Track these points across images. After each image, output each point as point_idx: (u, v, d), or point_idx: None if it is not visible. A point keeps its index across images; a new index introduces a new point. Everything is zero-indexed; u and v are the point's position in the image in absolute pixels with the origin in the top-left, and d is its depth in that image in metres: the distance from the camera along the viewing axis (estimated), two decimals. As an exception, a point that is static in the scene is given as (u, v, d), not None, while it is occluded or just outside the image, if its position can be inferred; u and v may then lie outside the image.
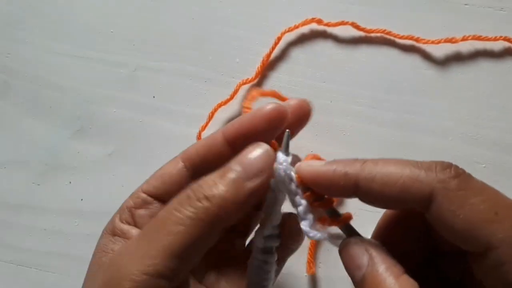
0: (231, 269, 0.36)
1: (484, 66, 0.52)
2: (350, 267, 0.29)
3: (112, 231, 0.33)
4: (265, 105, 0.32)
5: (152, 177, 0.34)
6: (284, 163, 0.30)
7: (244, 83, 0.53)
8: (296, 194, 0.31)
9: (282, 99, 0.42)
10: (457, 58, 0.53)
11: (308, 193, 0.30)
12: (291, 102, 0.35)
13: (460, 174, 0.27)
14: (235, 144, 0.33)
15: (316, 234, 0.30)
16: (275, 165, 0.31)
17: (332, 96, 0.53)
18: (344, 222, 0.31)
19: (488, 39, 0.52)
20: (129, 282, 0.26)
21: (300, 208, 0.30)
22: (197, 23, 0.56)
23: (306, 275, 0.49)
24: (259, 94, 0.38)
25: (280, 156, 0.31)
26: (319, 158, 0.34)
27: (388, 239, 0.32)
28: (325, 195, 0.31)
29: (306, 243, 0.49)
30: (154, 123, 0.54)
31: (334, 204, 0.31)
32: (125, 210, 0.33)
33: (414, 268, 0.28)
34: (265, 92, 0.40)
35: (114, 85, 0.55)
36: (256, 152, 0.30)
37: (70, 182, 0.54)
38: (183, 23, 0.56)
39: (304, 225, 0.30)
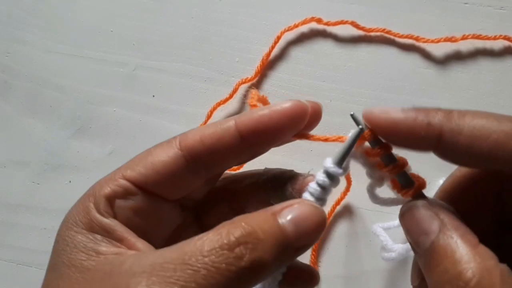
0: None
1: (484, 65, 0.52)
2: (415, 233, 0.25)
3: (89, 226, 0.27)
4: (285, 101, 0.28)
5: (138, 163, 0.28)
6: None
7: (243, 82, 0.53)
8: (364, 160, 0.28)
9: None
10: (457, 57, 0.53)
11: (378, 150, 0.27)
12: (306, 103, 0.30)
13: None
14: (249, 138, 0.28)
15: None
16: None
17: (331, 95, 0.52)
18: (419, 189, 0.27)
19: (488, 38, 0.52)
20: None
21: (371, 178, 0.28)
22: (197, 23, 0.56)
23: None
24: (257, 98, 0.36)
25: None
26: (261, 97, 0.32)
27: (454, 204, 0.27)
28: (393, 145, 0.27)
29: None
30: (154, 122, 0.54)
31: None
32: (102, 199, 0.27)
33: (481, 239, 0.24)
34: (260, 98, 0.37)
35: (114, 84, 0.55)
36: (311, 209, 0.26)
37: (70, 182, 0.54)
38: (183, 22, 0.56)
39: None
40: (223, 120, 0.29)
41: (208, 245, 0.23)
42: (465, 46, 0.52)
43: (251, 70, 0.53)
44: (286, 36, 0.54)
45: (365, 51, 0.53)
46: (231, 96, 0.53)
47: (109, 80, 0.55)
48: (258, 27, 0.55)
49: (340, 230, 0.50)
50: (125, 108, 0.55)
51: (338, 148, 0.29)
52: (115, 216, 0.28)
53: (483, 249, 0.23)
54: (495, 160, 0.24)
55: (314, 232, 0.26)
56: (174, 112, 0.54)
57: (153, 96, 0.55)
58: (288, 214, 0.25)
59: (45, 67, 0.56)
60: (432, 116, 0.25)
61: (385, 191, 0.30)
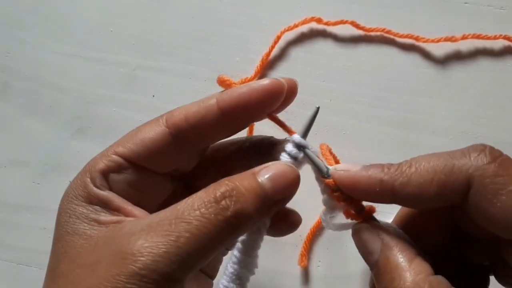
0: None
1: (484, 64, 0.52)
2: (363, 253, 0.29)
3: (87, 199, 0.29)
4: (263, 79, 0.31)
5: (128, 140, 0.31)
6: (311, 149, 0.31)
7: (243, 82, 0.53)
8: (325, 193, 0.31)
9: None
10: (457, 57, 0.53)
11: (337, 194, 0.30)
12: (282, 80, 0.32)
13: (496, 158, 0.26)
14: (230, 115, 0.31)
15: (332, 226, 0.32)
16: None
17: (331, 95, 0.52)
18: (369, 215, 0.31)
19: (488, 38, 0.52)
20: (145, 271, 0.25)
21: (327, 206, 0.31)
22: (197, 23, 0.56)
23: (299, 269, 0.49)
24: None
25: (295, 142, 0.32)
26: (331, 150, 0.34)
27: (410, 226, 0.31)
28: (361, 200, 0.31)
29: (303, 237, 0.49)
30: (154, 122, 0.54)
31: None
32: (97, 174, 0.30)
33: (435, 251, 0.28)
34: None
35: (114, 84, 0.55)
36: (285, 168, 0.29)
37: (70, 181, 0.54)
38: (183, 22, 0.56)
39: (324, 220, 0.31)
40: (206, 98, 0.31)
41: (198, 201, 0.27)
42: (465, 46, 0.52)
43: (251, 70, 0.53)
44: (286, 36, 0.54)
45: (365, 51, 0.53)
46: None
47: (109, 80, 0.55)
48: (259, 27, 0.55)
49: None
50: (125, 108, 0.55)
51: (302, 124, 0.33)
52: (110, 189, 0.30)
53: (417, 262, 0.26)
54: (443, 198, 0.27)
55: (289, 188, 0.29)
56: (174, 112, 0.54)
57: (153, 96, 0.55)
58: (265, 173, 0.29)
59: (45, 67, 0.56)
60: (384, 172, 0.28)
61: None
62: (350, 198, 0.30)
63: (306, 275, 0.49)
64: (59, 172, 0.54)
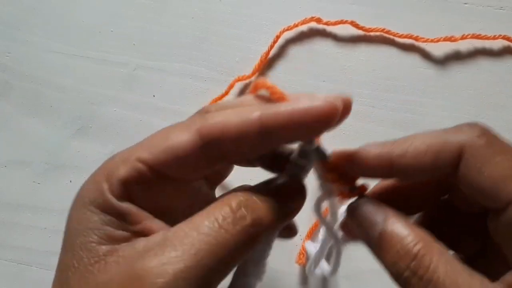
0: None
1: (484, 65, 0.52)
2: (364, 226, 0.29)
3: (102, 207, 0.27)
4: (316, 97, 0.27)
5: (154, 146, 0.28)
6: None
7: (239, 80, 0.53)
8: (321, 177, 0.32)
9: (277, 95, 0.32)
10: (457, 57, 0.53)
11: (334, 174, 0.31)
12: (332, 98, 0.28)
13: (486, 133, 0.28)
14: (272, 134, 0.27)
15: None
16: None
17: (331, 95, 0.53)
18: (362, 192, 0.32)
19: (488, 38, 0.52)
20: None
21: (323, 190, 0.32)
22: (197, 23, 0.56)
23: (297, 268, 0.49)
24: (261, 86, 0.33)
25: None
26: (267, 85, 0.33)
27: (389, 202, 0.31)
28: (355, 176, 0.31)
29: (301, 235, 0.49)
30: (154, 122, 0.54)
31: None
32: (117, 182, 0.27)
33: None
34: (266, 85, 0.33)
35: (114, 84, 0.55)
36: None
37: (70, 181, 0.54)
38: (183, 22, 0.56)
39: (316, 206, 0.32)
40: (246, 111, 0.27)
41: (213, 211, 0.26)
42: (465, 46, 0.53)
43: (251, 70, 0.53)
44: (286, 35, 0.54)
45: (364, 51, 0.53)
46: (226, 92, 0.53)
47: (109, 80, 0.55)
48: (259, 27, 0.55)
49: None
50: (126, 108, 0.55)
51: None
52: (130, 199, 0.27)
53: (421, 230, 0.27)
54: (438, 168, 0.28)
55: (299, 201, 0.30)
56: (175, 112, 0.54)
57: (154, 96, 0.55)
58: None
59: (45, 67, 0.56)
60: (382, 147, 0.29)
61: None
62: (346, 177, 0.31)
63: (304, 273, 0.49)
64: (59, 172, 0.54)
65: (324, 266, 0.44)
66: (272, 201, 0.28)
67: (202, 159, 0.28)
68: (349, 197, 0.32)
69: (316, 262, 0.43)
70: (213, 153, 0.28)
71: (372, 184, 0.33)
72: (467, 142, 0.27)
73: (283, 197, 0.29)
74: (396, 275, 0.27)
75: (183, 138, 0.27)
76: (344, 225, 0.34)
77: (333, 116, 0.27)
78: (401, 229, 0.27)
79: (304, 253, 0.49)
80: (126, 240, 0.27)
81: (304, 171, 0.31)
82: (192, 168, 0.28)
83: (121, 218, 0.27)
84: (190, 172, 0.29)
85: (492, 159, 0.27)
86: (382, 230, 0.28)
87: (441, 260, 0.26)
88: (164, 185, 0.29)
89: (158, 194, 0.29)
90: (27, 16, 0.58)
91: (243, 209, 0.26)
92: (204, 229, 0.25)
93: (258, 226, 0.27)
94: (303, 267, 0.49)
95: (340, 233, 0.35)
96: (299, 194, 0.30)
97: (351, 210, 0.30)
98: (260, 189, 0.29)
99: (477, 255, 0.32)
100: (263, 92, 0.32)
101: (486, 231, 0.29)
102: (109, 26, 0.57)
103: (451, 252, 0.27)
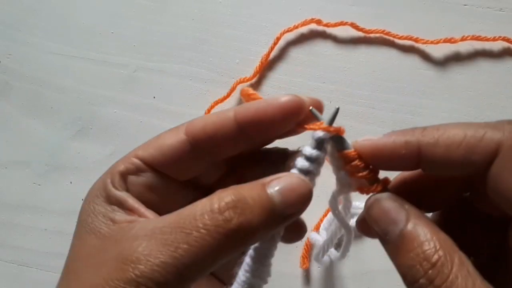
0: None
1: (483, 66, 0.52)
2: (383, 222, 0.27)
3: (107, 199, 0.30)
4: (281, 95, 0.29)
5: (149, 145, 0.32)
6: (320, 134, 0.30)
7: (241, 82, 0.53)
8: (340, 169, 0.30)
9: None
10: (456, 58, 0.53)
11: (355, 163, 0.29)
12: (306, 98, 0.31)
13: None
14: (246, 129, 0.30)
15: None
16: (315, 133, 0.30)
17: (331, 96, 0.53)
18: (385, 185, 0.30)
19: (487, 39, 0.52)
20: (148, 271, 0.25)
21: (341, 183, 0.30)
22: (197, 24, 0.56)
23: (300, 270, 0.49)
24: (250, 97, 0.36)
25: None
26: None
27: (407, 197, 0.30)
28: (380, 169, 0.29)
29: (304, 239, 0.49)
30: (154, 123, 0.54)
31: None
32: (116, 175, 0.31)
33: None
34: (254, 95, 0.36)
35: (114, 85, 0.55)
36: (298, 181, 0.28)
37: (70, 182, 0.54)
38: (184, 24, 0.56)
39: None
40: (225, 110, 0.31)
41: (200, 209, 0.26)
42: (465, 47, 0.53)
43: (251, 72, 0.54)
44: (286, 37, 0.54)
45: (364, 52, 0.54)
46: (228, 95, 0.53)
47: (110, 82, 0.55)
48: (259, 29, 0.55)
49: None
50: (126, 109, 0.55)
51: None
52: (127, 190, 0.31)
53: (444, 235, 0.26)
54: (470, 164, 0.26)
55: (300, 203, 0.28)
56: (175, 113, 0.54)
57: (154, 97, 0.55)
58: (276, 185, 0.27)
59: (46, 68, 0.57)
60: (409, 134, 0.27)
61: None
62: (368, 168, 0.29)
63: (307, 276, 0.49)
64: (59, 173, 0.54)
65: (333, 253, 0.44)
66: (269, 202, 0.27)
67: (190, 154, 0.31)
68: (370, 192, 0.30)
69: (325, 249, 0.42)
70: (198, 148, 0.30)
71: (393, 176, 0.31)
72: (506, 141, 0.25)
73: (286, 198, 0.27)
74: (410, 280, 0.25)
75: (171, 137, 0.31)
76: (360, 222, 0.32)
77: (296, 108, 0.29)
78: (423, 231, 0.25)
79: (307, 255, 0.49)
80: (126, 221, 0.29)
81: (316, 164, 0.29)
82: (182, 163, 0.31)
83: (121, 205, 0.30)
84: (180, 168, 0.31)
85: None
86: (403, 230, 0.26)
87: (461, 273, 0.24)
88: (160, 181, 0.31)
89: (154, 189, 0.31)
90: (27, 17, 0.58)
91: (230, 210, 0.26)
92: (187, 226, 0.25)
93: (246, 230, 0.26)
94: (306, 271, 0.49)
95: (352, 225, 0.34)
96: (305, 196, 0.28)
97: (370, 204, 0.29)
98: (258, 188, 0.27)
99: (494, 258, 0.31)
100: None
101: (505, 236, 0.28)
102: (110, 27, 0.57)
103: (470, 264, 0.25)
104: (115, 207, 0.30)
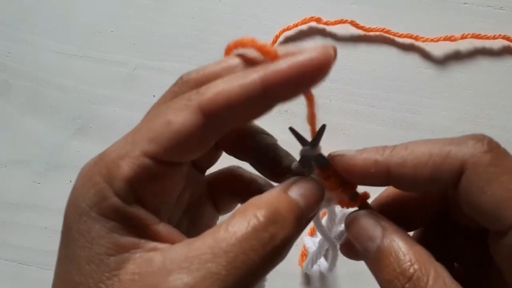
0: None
1: (483, 64, 0.52)
2: (362, 239, 0.28)
3: (105, 213, 0.24)
4: (310, 50, 0.25)
5: (158, 135, 0.25)
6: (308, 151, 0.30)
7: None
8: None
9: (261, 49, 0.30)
10: (456, 57, 0.53)
11: (332, 180, 0.29)
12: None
13: (493, 149, 0.26)
14: (272, 93, 0.25)
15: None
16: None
17: (331, 95, 0.53)
18: (363, 201, 0.30)
19: (487, 38, 0.52)
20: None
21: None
22: (197, 23, 0.56)
23: (300, 269, 0.49)
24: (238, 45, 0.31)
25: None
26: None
27: (392, 214, 0.30)
28: (355, 183, 0.30)
29: (302, 235, 0.49)
30: (154, 122, 0.54)
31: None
32: (122, 183, 0.24)
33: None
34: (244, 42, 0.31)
35: (114, 84, 0.55)
36: (314, 184, 0.28)
37: (70, 181, 0.54)
38: (183, 22, 0.56)
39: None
40: (245, 74, 0.26)
41: (240, 230, 0.23)
42: (465, 45, 0.53)
43: (251, 70, 0.53)
44: (286, 35, 0.54)
45: (364, 51, 0.53)
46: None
47: (109, 80, 0.55)
48: (258, 27, 0.55)
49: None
50: (126, 108, 0.55)
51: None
52: (137, 201, 0.24)
53: (419, 248, 0.26)
54: (437, 181, 0.26)
55: (318, 203, 0.28)
56: (174, 111, 0.54)
57: (154, 96, 0.55)
58: (297, 190, 0.27)
59: (45, 67, 0.56)
60: (379, 153, 0.28)
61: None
62: (345, 184, 0.30)
63: (306, 275, 0.49)
64: (59, 171, 0.54)
65: (322, 263, 0.44)
66: (298, 208, 0.26)
67: (206, 136, 0.26)
68: (350, 205, 0.31)
69: (314, 260, 0.43)
70: (217, 127, 0.25)
71: (374, 191, 0.32)
72: (471, 158, 0.25)
73: (308, 202, 0.27)
74: None
75: (185, 120, 0.25)
76: (344, 246, 0.32)
77: (329, 64, 0.26)
78: (399, 246, 0.26)
79: (305, 254, 0.49)
80: (134, 247, 0.24)
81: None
82: (197, 148, 0.26)
83: (127, 223, 0.24)
84: (195, 153, 0.26)
85: (496, 178, 0.25)
86: (380, 245, 0.27)
87: (437, 284, 0.24)
88: (167, 174, 0.26)
89: (162, 187, 0.26)
90: (27, 16, 0.58)
91: (272, 227, 0.24)
92: (230, 249, 0.23)
93: (287, 244, 0.25)
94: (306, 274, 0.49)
95: (336, 240, 0.35)
96: (321, 197, 0.28)
97: (349, 221, 0.29)
98: (284, 196, 0.26)
99: (480, 264, 0.31)
100: (245, 51, 0.30)
101: (486, 246, 0.28)
102: (109, 26, 0.57)
103: (449, 276, 0.25)
104: (118, 225, 0.24)
